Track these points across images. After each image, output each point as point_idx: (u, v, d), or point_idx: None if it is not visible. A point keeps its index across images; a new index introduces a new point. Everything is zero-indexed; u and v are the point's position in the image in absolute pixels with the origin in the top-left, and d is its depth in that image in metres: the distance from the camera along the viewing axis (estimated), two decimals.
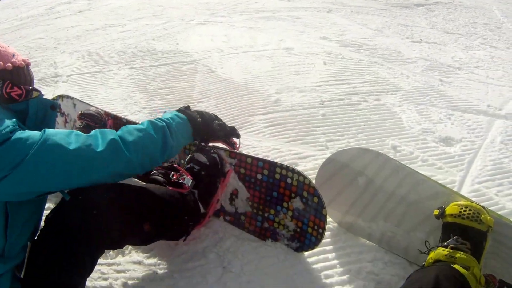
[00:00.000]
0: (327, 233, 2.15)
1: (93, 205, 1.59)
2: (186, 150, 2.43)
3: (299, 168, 2.73)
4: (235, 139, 2.27)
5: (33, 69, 1.90)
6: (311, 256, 2.09)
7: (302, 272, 2.00)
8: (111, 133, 1.67)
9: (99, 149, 1.58)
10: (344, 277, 1.97)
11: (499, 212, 2.04)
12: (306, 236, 2.05)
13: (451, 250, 1.67)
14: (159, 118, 1.89)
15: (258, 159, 2.12)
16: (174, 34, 6.56)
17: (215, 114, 2.21)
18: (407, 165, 2.05)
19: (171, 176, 1.99)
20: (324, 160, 2.22)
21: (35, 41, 6.91)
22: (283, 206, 2.10)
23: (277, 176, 2.07)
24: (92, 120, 2.84)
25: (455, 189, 2.51)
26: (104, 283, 1.99)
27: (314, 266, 2.04)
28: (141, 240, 1.91)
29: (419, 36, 6.44)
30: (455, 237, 1.72)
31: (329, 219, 2.23)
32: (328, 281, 1.96)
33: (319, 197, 1.95)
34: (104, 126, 2.88)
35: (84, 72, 5.23)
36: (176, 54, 5.56)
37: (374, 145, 3.11)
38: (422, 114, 3.68)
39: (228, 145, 2.23)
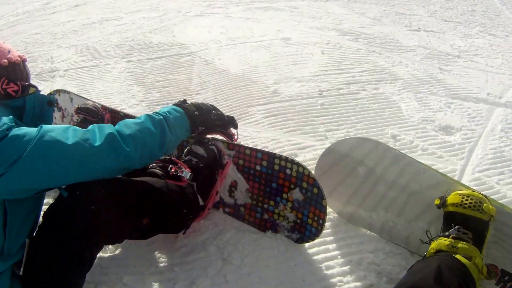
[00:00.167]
0: (327, 224, 2.14)
1: (90, 201, 1.58)
2: (184, 142, 2.41)
3: (298, 158, 2.72)
4: (233, 130, 2.25)
5: (30, 64, 1.89)
6: (312, 247, 2.07)
7: (302, 263, 1.98)
8: (108, 128, 1.65)
9: (97, 143, 1.57)
10: (345, 268, 1.96)
11: (500, 201, 2.03)
12: (306, 227, 2.03)
13: (452, 240, 1.65)
14: (156, 112, 1.87)
15: (257, 150, 2.10)
16: (170, 26, 6.52)
17: (213, 104, 2.19)
18: (407, 154, 2.03)
19: (169, 169, 1.97)
20: (323, 150, 2.20)
21: (32, 36, 6.87)
22: (283, 197, 2.08)
23: (276, 167, 2.05)
24: (89, 114, 2.82)
25: (455, 178, 2.50)
26: (104, 278, 1.97)
27: (315, 257, 2.03)
28: (140, 234, 1.90)
29: (418, 25, 6.41)
30: (456, 226, 1.70)
31: (329, 209, 2.22)
32: (329, 272, 1.94)
33: (319, 187, 1.93)
34: (102, 120, 2.86)
35: (81, 66, 5.20)
36: (173, 46, 5.52)
37: (373, 134, 3.09)
38: (421, 102, 3.66)
39: (226, 136, 2.21)
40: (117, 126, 1.70)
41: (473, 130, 3.21)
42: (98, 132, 1.61)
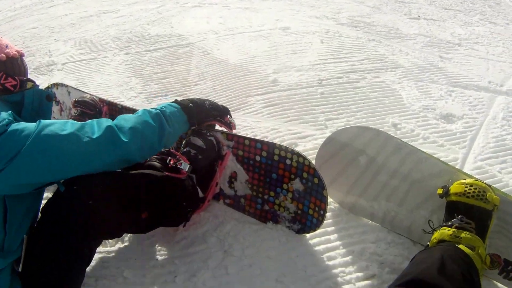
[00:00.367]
0: (328, 214, 2.13)
1: (88, 195, 1.56)
2: (183, 134, 2.39)
3: (298, 148, 2.71)
4: (231, 119, 2.22)
5: (28, 58, 1.90)
6: (313, 238, 2.06)
7: (304, 254, 1.97)
8: (106, 121, 1.65)
9: (95, 135, 1.56)
10: (347, 259, 1.95)
11: (502, 190, 2.02)
12: (307, 217, 2.02)
13: (455, 230, 1.63)
14: (152, 108, 1.87)
15: (256, 141, 2.08)
16: (168, 17, 6.48)
17: (208, 98, 2.19)
18: (409, 143, 2.00)
19: (168, 161, 1.95)
20: (323, 139, 2.18)
21: (29, 30, 6.84)
22: (283, 188, 2.06)
23: (276, 157, 2.03)
24: (87, 107, 2.81)
25: (457, 167, 2.47)
26: (104, 271, 1.96)
27: (316, 248, 2.01)
28: (139, 228, 1.88)
29: (417, 13, 6.37)
30: (459, 216, 1.68)
31: (330, 199, 2.21)
32: (330, 263, 1.93)
33: (319, 178, 1.91)
34: (99, 112, 2.85)
35: (79, 59, 5.18)
36: (171, 37, 5.50)
37: (374, 123, 3.07)
38: (422, 91, 3.63)
39: (224, 125, 2.19)
40: (115, 120, 1.70)
41: (475, 118, 3.19)
42: (97, 125, 1.61)
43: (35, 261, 1.54)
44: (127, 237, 2.15)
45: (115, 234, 1.80)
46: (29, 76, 1.87)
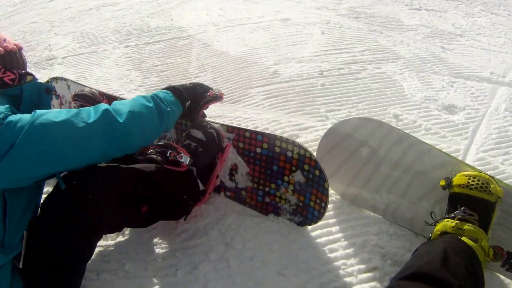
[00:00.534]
0: (330, 206, 2.13)
1: (88, 190, 1.55)
2: (183, 127, 2.38)
3: (299, 139, 2.70)
4: (213, 91, 2.20)
5: (28, 53, 1.90)
6: (315, 230, 2.05)
7: (306, 246, 1.96)
8: (103, 105, 1.63)
9: (91, 120, 1.54)
10: (349, 251, 1.94)
11: (505, 181, 1.99)
12: (309, 210, 2.01)
13: (458, 222, 1.62)
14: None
15: (257, 133, 2.07)
16: (168, 10, 6.44)
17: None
18: (411, 134, 1.99)
19: (168, 154, 1.94)
20: (325, 131, 2.17)
21: (29, 25, 6.81)
22: (284, 180, 2.05)
23: (277, 149, 2.02)
24: (87, 100, 2.79)
25: (459, 158, 2.46)
26: (106, 265, 1.95)
27: (318, 240, 2.00)
28: (140, 223, 1.88)
29: (419, 4, 6.31)
30: (462, 208, 1.67)
31: (331, 191, 2.20)
32: (332, 255, 1.92)
33: (320, 170, 1.90)
34: None
35: (79, 53, 5.15)
36: (171, 30, 5.46)
37: (375, 114, 3.05)
38: (423, 81, 3.61)
39: (214, 101, 2.17)
40: (112, 105, 1.68)
41: (477, 109, 3.17)
42: (93, 110, 1.59)
43: (35, 257, 1.53)
44: (127, 230, 2.15)
45: (115, 228, 1.79)
46: (29, 71, 1.86)
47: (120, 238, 2.12)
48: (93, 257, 1.86)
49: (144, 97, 1.80)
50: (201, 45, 4.82)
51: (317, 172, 1.92)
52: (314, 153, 1.97)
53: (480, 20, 5.66)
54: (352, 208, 2.18)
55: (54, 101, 3.20)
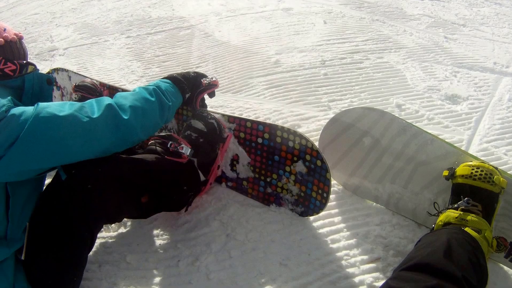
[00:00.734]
0: (332, 196, 2.12)
1: (87, 179, 1.54)
2: (184, 117, 2.36)
3: (301, 129, 2.69)
4: (206, 80, 2.17)
5: (29, 44, 1.90)
6: (317, 221, 2.04)
7: (308, 237, 1.96)
8: (106, 99, 1.63)
9: (95, 115, 1.53)
10: (351, 241, 1.93)
11: (509, 172, 1.98)
12: (311, 200, 2.00)
13: (461, 213, 1.61)
14: (147, 85, 1.87)
15: (258, 123, 2.05)
16: (169, 0, 6.42)
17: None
18: (414, 124, 1.97)
19: (168, 145, 1.92)
20: (327, 120, 2.15)
21: (31, 17, 6.82)
22: (286, 170, 2.04)
23: (279, 139, 2.00)
24: (87, 91, 2.78)
25: (462, 149, 2.44)
26: (107, 257, 1.95)
27: (320, 230, 1.99)
28: (140, 213, 1.87)
29: None
30: (466, 198, 1.65)
31: (334, 181, 2.19)
32: (335, 245, 1.91)
33: (322, 160, 1.89)
34: (100, 96, 2.82)
35: (80, 44, 5.18)
36: (173, 20, 5.45)
37: (378, 104, 3.04)
38: (426, 71, 3.59)
39: (210, 88, 2.16)
40: (114, 99, 1.67)
41: (480, 99, 3.15)
42: (96, 104, 1.58)
43: (36, 248, 1.53)
44: (129, 222, 2.14)
45: (115, 218, 1.78)
46: (29, 61, 1.83)
47: (122, 230, 2.12)
48: (94, 248, 1.86)
49: (146, 89, 1.79)
50: (203, 35, 4.81)
51: (319, 162, 1.90)
52: (316, 143, 1.96)
53: (484, 10, 5.63)
54: (354, 198, 2.16)
55: (56, 92, 3.20)
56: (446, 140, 2.01)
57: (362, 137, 2.03)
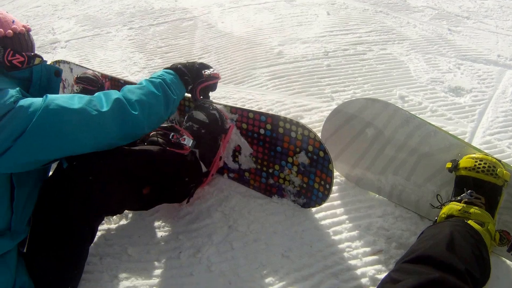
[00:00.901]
0: (334, 188, 2.11)
1: (88, 171, 1.54)
2: (186, 108, 2.35)
3: (304, 120, 2.68)
4: (208, 71, 2.14)
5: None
6: (319, 212, 2.04)
7: (310, 229, 1.95)
8: (115, 93, 1.63)
9: (104, 109, 1.54)
10: (354, 233, 1.92)
11: None
12: (313, 191, 1.99)
13: (464, 205, 1.60)
14: (152, 77, 1.85)
15: (261, 114, 2.04)
16: None
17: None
18: (417, 116, 1.96)
19: (170, 137, 1.92)
20: (330, 112, 2.14)
21: (33, 9, 6.82)
22: (288, 161, 2.03)
23: (281, 130, 1.99)
24: (89, 83, 2.78)
25: (466, 141, 2.42)
26: (108, 249, 1.95)
27: (322, 222, 1.99)
28: (141, 205, 1.87)
29: None
30: (469, 191, 1.64)
31: (336, 173, 2.18)
32: (337, 237, 1.90)
33: (325, 151, 1.88)
34: (102, 88, 2.84)
35: (82, 36, 5.18)
36: (175, 11, 5.44)
37: (381, 95, 3.03)
38: (430, 63, 3.57)
39: (211, 79, 2.14)
40: (121, 92, 1.67)
41: (484, 92, 3.13)
42: (105, 98, 1.58)
43: (38, 241, 1.53)
44: (130, 214, 2.14)
45: (117, 210, 1.78)
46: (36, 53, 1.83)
47: (123, 222, 2.12)
48: (96, 241, 1.85)
49: (152, 83, 1.78)
50: (205, 26, 4.80)
51: (321, 153, 1.89)
52: (319, 134, 1.95)
53: (488, 2, 5.58)
54: (357, 190, 2.16)
55: None
56: (450, 132, 2.00)
57: (365, 128, 2.02)
